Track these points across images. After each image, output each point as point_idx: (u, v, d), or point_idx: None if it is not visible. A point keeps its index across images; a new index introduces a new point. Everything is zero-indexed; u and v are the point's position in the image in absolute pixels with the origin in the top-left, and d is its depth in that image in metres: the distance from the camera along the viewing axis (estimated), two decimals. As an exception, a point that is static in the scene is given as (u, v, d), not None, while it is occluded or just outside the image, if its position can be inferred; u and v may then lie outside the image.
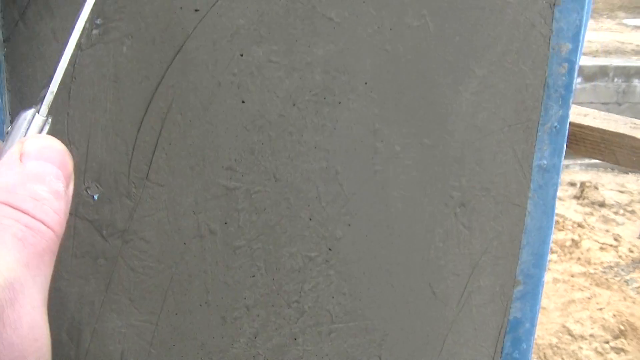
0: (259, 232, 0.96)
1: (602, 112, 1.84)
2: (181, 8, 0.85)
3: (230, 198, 0.94)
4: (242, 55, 0.89)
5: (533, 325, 1.08)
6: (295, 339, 1.02)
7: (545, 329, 4.84)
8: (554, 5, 0.93)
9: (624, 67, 9.52)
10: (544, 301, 5.09)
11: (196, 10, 0.86)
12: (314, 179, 0.94)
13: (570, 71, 0.96)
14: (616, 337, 4.77)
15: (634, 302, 5.19)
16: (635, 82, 9.62)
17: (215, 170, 0.93)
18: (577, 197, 8.19)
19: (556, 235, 6.45)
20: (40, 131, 0.62)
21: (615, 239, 6.61)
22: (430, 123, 0.94)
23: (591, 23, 13.78)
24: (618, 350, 4.67)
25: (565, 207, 7.87)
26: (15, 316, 0.49)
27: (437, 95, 0.93)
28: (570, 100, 0.98)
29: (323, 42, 0.88)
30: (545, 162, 0.99)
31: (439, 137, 0.95)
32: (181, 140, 0.91)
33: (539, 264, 1.05)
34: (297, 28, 0.87)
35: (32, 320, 0.50)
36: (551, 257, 5.99)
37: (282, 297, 0.99)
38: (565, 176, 9.02)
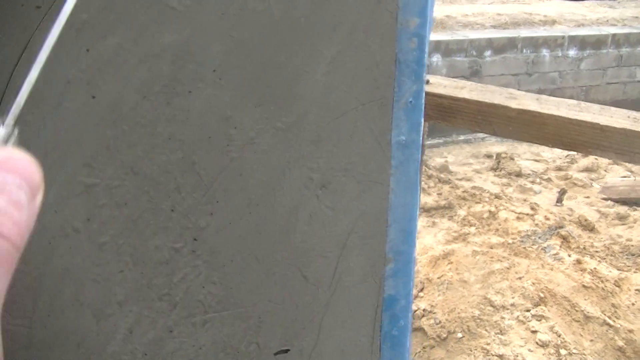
0: (123, 227, 0.95)
1: (479, 85, 1.86)
2: (22, 5, 0.84)
3: (90, 194, 0.93)
4: (88, 51, 0.88)
5: (408, 301, 1.09)
6: (171, 332, 1.01)
7: (468, 302, 4.89)
8: (398, -20, 0.94)
9: (532, 38, 9.64)
10: (464, 274, 5.15)
11: (38, 7, 0.84)
12: (172, 170, 0.93)
13: (421, 45, 0.97)
14: (536, 305, 4.84)
15: (551, 269, 5.27)
16: (544, 52, 9.76)
17: (74, 168, 0.92)
18: (494, 169, 8.29)
19: (474, 208, 6.52)
20: (6, 143, 0.59)
21: (532, 208, 6.70)
22: (283, 107, 0.94)
23: (500, -4, 13.90)
24: (539, 318, 4.74)
25: (483, 179, 7.97)
26: None
27: (287, 78, 0.92)
28: (424, 75, 0.98)
29: (168, 32, 0.88)
30: (403, 138, 1.00)
31: (293, 121, 0.95)
32: (36, 140, 0.89)
33: (408, 240, 1.05)
34: (141, 19, 0.86)
35: None
36: (470, 230, 6.06)
37: (152, 291, 0.99)
38: (481, 148, 9.12)
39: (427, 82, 1.83)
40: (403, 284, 1.07)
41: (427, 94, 1.77)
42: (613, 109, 1.76)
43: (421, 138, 1.01)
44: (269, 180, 0.97)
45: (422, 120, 1.00)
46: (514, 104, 1.71)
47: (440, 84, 1.82)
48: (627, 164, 8.49)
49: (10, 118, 0.60)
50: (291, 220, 0.99)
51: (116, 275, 0.97)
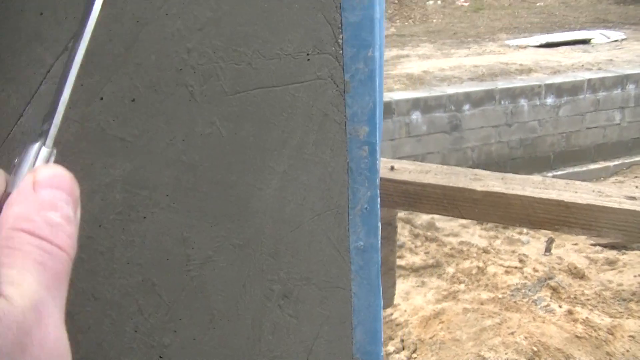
0: (88, 351, 0.95)
1: (445, 167, 1.88)
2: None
3: (54, 321, 0.94)
4: (42, 184, 0.88)
5: (380, 400, 1.09)
6: None
7: (461, 361, 4.88)
8: (344, 92, 0.95)
9: (509, 89, 9.70)
10: (456, 333, 5.14)
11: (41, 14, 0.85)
12: (132, 293, 0.94)
13: (372, 152, 0.98)
14: (530, 359, 4.83)
15: (543, 322, 5.26)
16: (522, 102, 9.81)
17: (36, 296, 0.92)
18: (480, 223, 8.29)
19: (462, 265, 6.51)
20: (47, 162, 0.64)
21: (521, 260, 6.69)
22: (238, 224, 0.95)
23: (475, 48, 14.07)
24: (534, 372, 4.73)
25: (470, 234, 7.96)
26: (42, 335, 0.52)
27: (240, 195, 0.94)
28: (377, 181, 1.00)
29: (119, 162, 0.89)
30: (362, 243, 1.01)
31: (249, 237, 0.96)
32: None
33: (374, 340, 1.06)
34: (91, 152, 0.87)
35: (56, 337, 0.53)
36: (459, 287, 6.04)
37: (123, 412, 0.99)
38: (466, 203, 9.13)
39: (392, 168, 1.85)
40: (374, 383, 1.08)
41: (393, 181, 1.80)
42: (578, 183, 1.78)
43: (379, 241, 1.02)
44: (230, 295, 0.97)
45: (379, 224, 1.01)
46: (478, 186, 1.73)
47: (405, 170, 1.84)
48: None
49: (50, 139, 0.65)
50: (255, 332, 1.00)
51: (85, 400, 0.98)
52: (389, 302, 2.24)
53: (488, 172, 1.85)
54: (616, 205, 1.62)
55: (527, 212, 1.68)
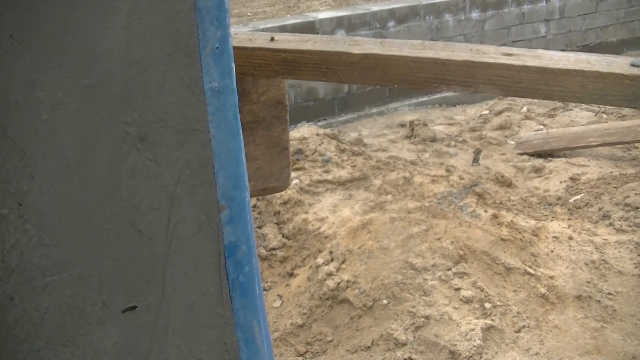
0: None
1: (325, 36, 1.90)
2: None
3: None
4: None
5: (250, 246, 1.10)
6: (12, 299, 1.02)
7: (390, 268, 4.92)
8: None
9: (433, 4, 9.71)
10: (384, 242, 5.19)
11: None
12: (-14, 138, 0.94)
13: (219, -9, 0.99)
14: (457, 263, 4.88)
15: (469, 226, 5.32)
16: (447, 17, 9.84)
17: None
18: (408, 137, 8.34)
19: (389, 176, 6.55)
20: None
21: (448, 170, 6.76)
22: (86, 65, 0.95)
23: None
24: (461, 275, 4.79)
25: (398, 148, 8.02)
26: None
27: (85, 36, 0.94)
28: (227, 20, 1.00)
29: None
30: (216, 84, 1.02)
31: (99, 77, 0.96)
32: None
33: (238, 185, 1.07)
34: None
35: None
36: (386, 198, 6.08)
37: (-14, 262, 1.00)
38: (395, 119, 9.18)
39: (272, 39, 1.85)
40: (241, 230, 1.09)
41: (272, 50, 1.80)
42: (457, 44, 1.81)
43: (235, 83, 1.03)
44: (85, 138, 0.98)
45: (233, 65, 1.02)
46: (356, 50, 1.75)
47: (285, 40, 1.84)
48: (538, 118, 8.63)
49: None
50: (114, 176, 1.01)
51: (-53, 248, 0.98)
52: (285, 183, 2.26)
53: (368, 39, 1.87)
54: (492, 61, 1.65)
55: (404, 72, 1.69)
